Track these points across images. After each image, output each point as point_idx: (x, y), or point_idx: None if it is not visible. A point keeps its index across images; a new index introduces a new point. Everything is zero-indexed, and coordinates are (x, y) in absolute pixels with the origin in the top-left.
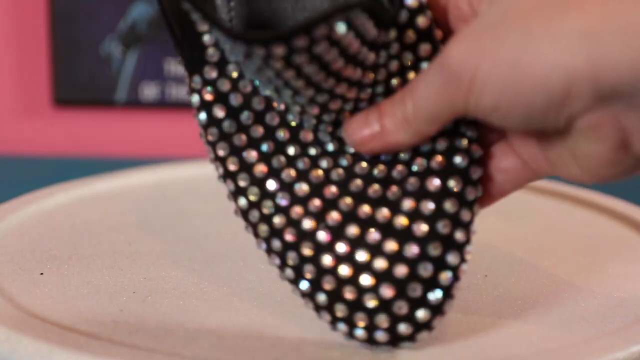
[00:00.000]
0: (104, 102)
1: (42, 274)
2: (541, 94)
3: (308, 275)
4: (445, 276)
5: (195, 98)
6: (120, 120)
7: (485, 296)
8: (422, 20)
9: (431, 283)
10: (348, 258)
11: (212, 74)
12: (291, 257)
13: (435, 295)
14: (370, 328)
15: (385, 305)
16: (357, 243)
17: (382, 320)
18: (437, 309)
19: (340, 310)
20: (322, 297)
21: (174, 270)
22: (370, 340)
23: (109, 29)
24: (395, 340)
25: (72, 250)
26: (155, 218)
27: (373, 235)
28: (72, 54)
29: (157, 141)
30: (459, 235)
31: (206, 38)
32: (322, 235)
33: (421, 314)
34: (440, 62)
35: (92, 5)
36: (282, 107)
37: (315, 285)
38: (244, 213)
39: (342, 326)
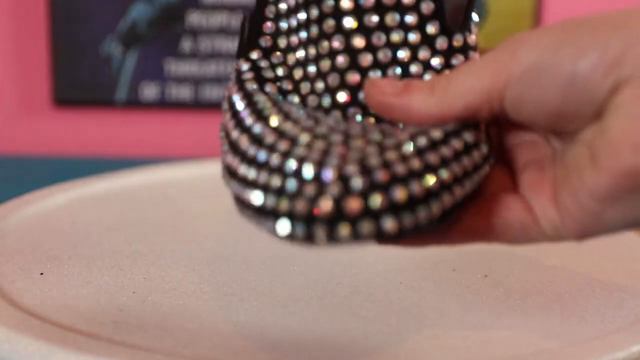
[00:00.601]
0: (104, 102)
1: (42, 274)
2: (587, 58)
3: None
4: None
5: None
6: (120, 120)
7: (486, 296)
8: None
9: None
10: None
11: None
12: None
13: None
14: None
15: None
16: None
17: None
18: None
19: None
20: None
21: (174, 270)
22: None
23: (109, 29)
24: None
25: (72, 250)
26: (155, 218)
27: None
28: (72, 54)
29: (157, 141)
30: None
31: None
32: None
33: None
34: (499, 51)
35: (92, 5)
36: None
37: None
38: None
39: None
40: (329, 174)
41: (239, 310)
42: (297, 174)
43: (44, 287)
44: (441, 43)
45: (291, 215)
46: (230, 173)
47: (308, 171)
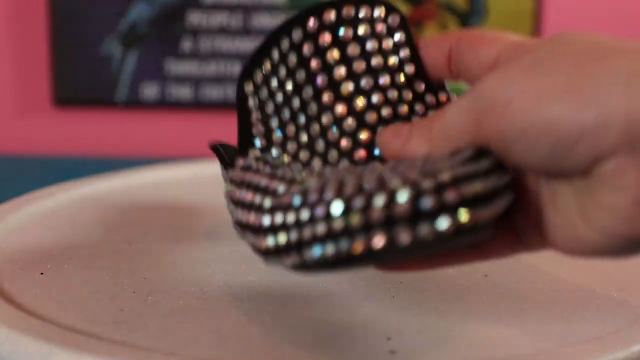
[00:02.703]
0: (104, 102)
1: (42, 273)
2: (572, 128)
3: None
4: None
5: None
6: (120, 120)
7: (486, 296)
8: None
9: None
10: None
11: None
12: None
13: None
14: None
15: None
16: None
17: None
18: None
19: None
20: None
21: (174, 270)
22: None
23: (109, 29)
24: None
25: (72, 250)
26: (155, 218)
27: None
28: (72, 54)
29: (157, 141)
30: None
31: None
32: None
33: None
34: (474, 89)
35: (92, 5)
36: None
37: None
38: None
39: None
40: (396, 183)
41: (239, 310)
42: (361, 192)
43: (44, 287)
44: (430, 99)
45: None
46: (245, 227)
47: (371, 187)
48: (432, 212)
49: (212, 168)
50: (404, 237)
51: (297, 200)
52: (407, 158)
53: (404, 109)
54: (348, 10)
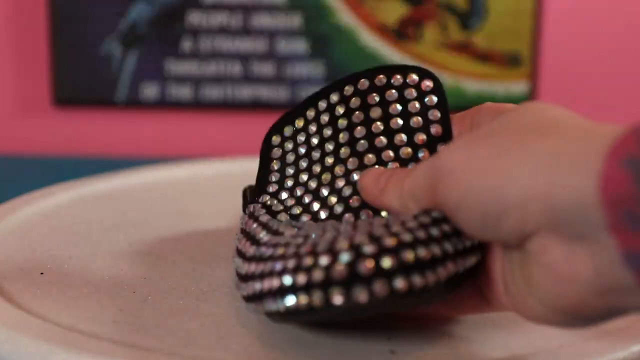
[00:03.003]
0: (104, 102)
1: (42, 273)
2: (496, 202)
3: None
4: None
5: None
6: (120, 120)
7: None
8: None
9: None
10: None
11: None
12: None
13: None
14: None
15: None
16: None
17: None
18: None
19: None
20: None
21: (174, 270)
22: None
23: (109, 29)
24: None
25: (73, 249)
26: (155, 218)
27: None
28: (72, 54)
29: (157, 141)
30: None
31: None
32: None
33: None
34: (434, 156)
35: (92, 5)
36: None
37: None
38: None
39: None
40: (342, 245)
41: (238, 310)
42: (312, 252)
43: (43, 287)
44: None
45: (309, 285)
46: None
47: (322, 247)
48: (368, 277)
49: (212, 168)
50: (337, 298)
51: (267, 253)
52: (384, 207)
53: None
54: (380, 79)
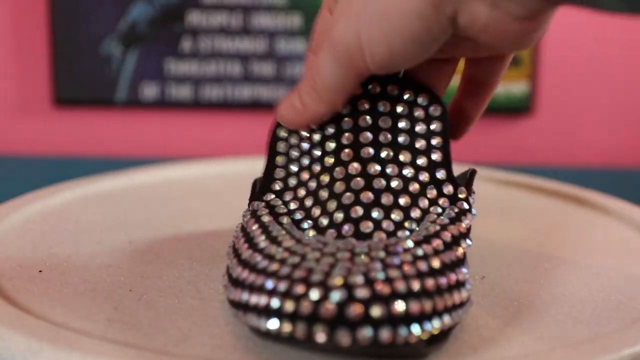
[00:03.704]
0: (104, 102)
1: (40, 271)
2: (406, 25)
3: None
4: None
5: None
6: (120, 120)
7: (482, 297)
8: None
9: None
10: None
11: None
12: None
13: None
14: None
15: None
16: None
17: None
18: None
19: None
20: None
21: (172, 269)
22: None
23: (109, 29)
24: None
25: (73, 248)
26: (156, 217)
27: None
28: (72, 54)
29: (157, 141)
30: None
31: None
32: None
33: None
34: (329, 44)
35: (92, 5)
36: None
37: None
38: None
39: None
40: (336, 281)
41: (232, 310)
42: (305, 280)
43: (40, 285)
44: (447, 189)
45: (295, 315)
46: (237, 284)
47: (316, 278)
48: (354, 322)
49: (212, 168)
50: (320, 336)
51: (262, 264)
52: (311, 123)
53: (414, 186)
54: (392, 89)
